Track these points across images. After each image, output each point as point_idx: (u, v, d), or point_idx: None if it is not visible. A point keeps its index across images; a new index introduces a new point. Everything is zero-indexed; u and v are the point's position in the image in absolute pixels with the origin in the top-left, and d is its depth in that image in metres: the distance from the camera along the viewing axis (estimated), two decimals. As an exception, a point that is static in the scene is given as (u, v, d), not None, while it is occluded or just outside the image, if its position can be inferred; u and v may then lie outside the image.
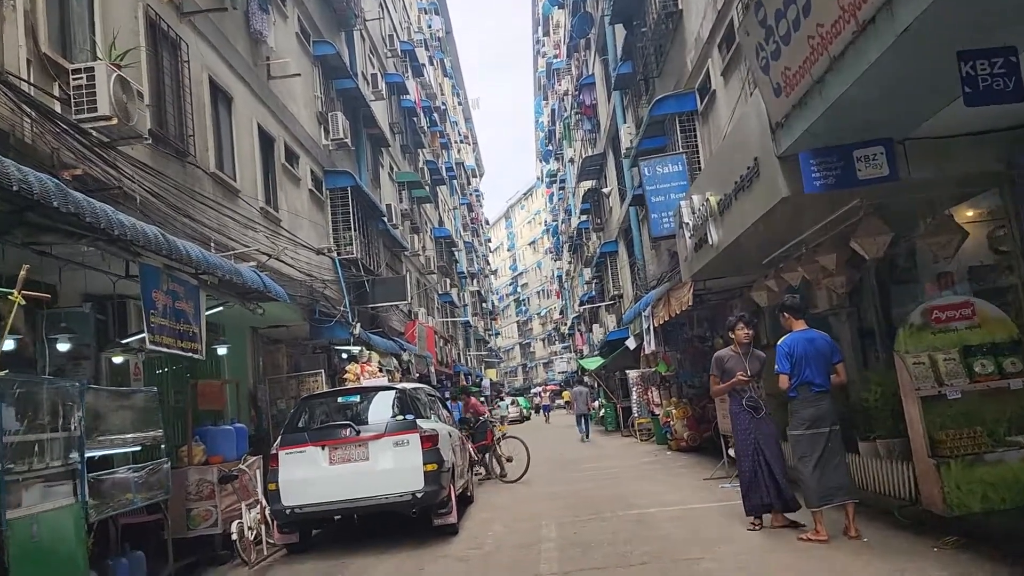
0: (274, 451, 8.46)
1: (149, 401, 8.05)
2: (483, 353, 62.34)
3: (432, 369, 24.59)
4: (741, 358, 7.83)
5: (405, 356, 19.50)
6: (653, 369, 21.04)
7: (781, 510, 7.29)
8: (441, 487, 8.44)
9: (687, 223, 10.84)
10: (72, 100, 6.97)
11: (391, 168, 25.94)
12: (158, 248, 6.80)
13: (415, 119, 31.03)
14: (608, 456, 17.42)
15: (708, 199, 9.40)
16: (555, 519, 9.09)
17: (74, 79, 6.97)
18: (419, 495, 8.19)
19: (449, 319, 37.08)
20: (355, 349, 15.21)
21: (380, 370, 16.43)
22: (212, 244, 9.86)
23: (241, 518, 8.50)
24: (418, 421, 8.58)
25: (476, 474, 12.48)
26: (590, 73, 29.08)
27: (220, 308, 9.41)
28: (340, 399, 8.86)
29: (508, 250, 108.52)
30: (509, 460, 14.59)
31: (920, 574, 5.38)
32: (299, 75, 14.24)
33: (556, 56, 44.86)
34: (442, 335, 30.70)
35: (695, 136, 13.93)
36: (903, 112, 6.01)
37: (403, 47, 30.43)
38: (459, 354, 40.76)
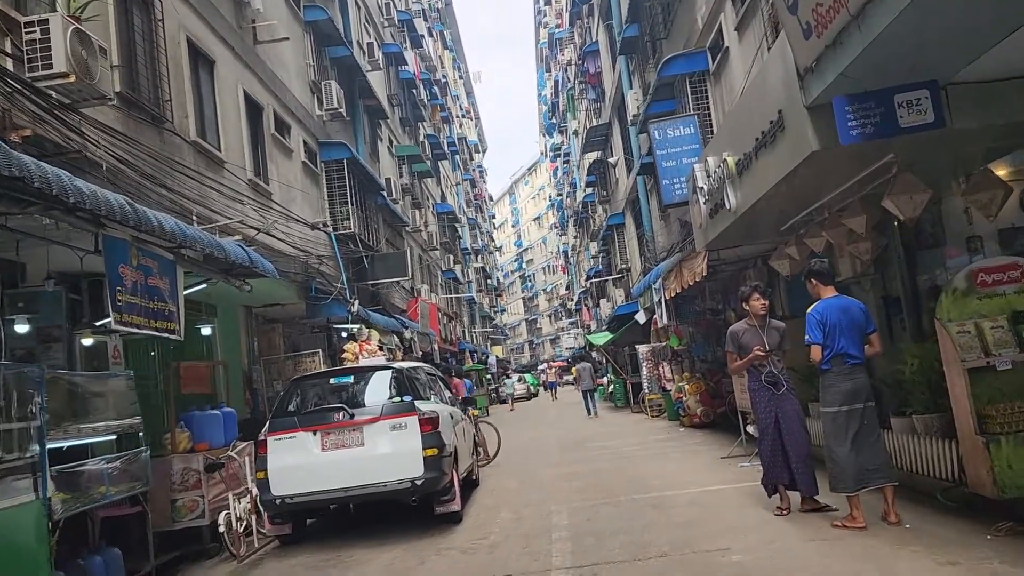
0: (262, 437, 7.88)
1: (124, 386, 7.48)
2: (489, 330, 61.83)
3: (436, 347, 24.03)
4: (758, 331, 7.20)
5: (407, 334, 18.93)
6: (664, 344, 20.44)
7: (805, 494, 6.71)
8: (443, 473, 7.86)
9: (701, 188, 10.16)
10: (25, 56, 6.31)
11: (390, 141, 25.22)
12: (124, 218, 6.17)
13: (414, 91, 30.23)
14: (619, 434, 16.85)
15: (725, 160, 8.72)
16: (566, 504, 8.52)
17: (27, 33, 6.31)
18: (419, 482, 7.62)
19: (453, 295, 36.47)
20: (354, 327, 14.62)
21: (381, 349, 15.85)
22: (194, 217, 9.23)
23: (229, 509, 7.96)
24: (416, 403, 7.99)
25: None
26: (594, 40, 28.19)
27: (203, 286, 8.81)
28: (333, 380, 8.25)
29: (513, 226, 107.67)
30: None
31: (978, 565, 4.77)
32: (287, 39, 13.51)
33: (558, 26, 43.83)
34: (446, 312, 30.12)
35: (706, 98, 13.19)
36: (953, 49, 5.32)
37: (400, 16, 29.56)
38: (464, 331, 40.21)
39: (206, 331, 9.99)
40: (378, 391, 8.19)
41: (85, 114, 7.02)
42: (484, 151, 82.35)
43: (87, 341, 7.57)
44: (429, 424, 7.88)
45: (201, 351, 12.56)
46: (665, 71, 13.43)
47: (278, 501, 7.66)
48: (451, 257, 37.53)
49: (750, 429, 10.87)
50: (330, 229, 14.58)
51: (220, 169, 10.62)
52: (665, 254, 18.63)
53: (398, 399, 7.95)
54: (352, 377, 8.29)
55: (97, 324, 7.37)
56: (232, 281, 8.95)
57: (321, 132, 16.37)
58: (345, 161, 16.12)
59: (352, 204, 16.27)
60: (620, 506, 8.06)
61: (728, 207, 8.89)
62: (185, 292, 8.67)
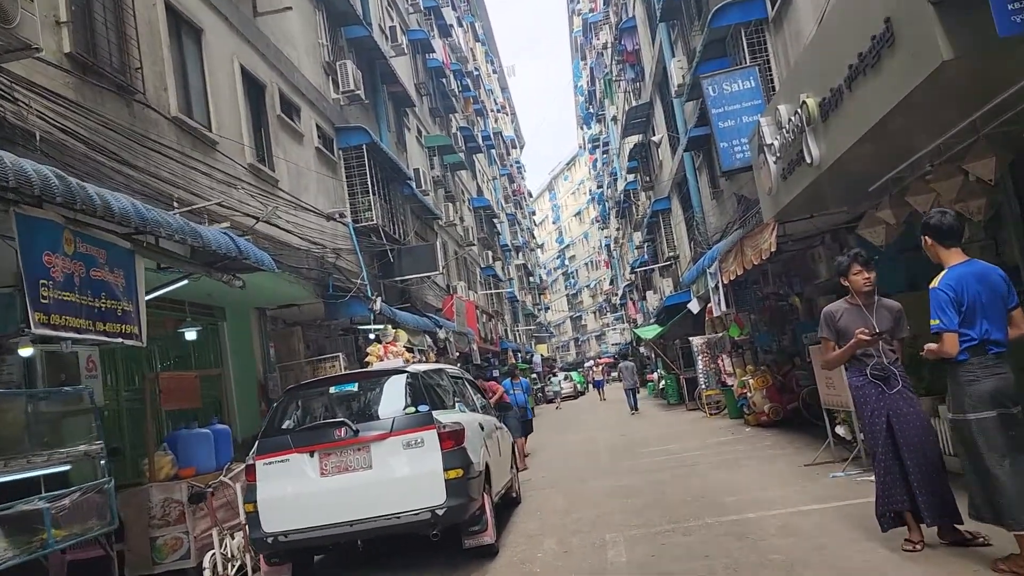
0: (250, 461, 6.48)
1: (76, 405, 6.15)
2: (532, 328, 60.32)
3: (475, 347, 22.60)
4: (862, 311, 5.51)
5: (441, 334, 17.51)
6: (721, 334, 18.70)
7: (932, 523, 5.05)
8: (470, 499, 6.38)
9: (770, 145, 8.53)
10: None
11: (419, 132, 23.88)
12: (49, 193, 4.82)
13: (444, 80, 28.85)
14: (677, 435, 15.20)
15: (804, 103, 7.09)
16: (623, 531, 6.97)
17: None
18: (441, 511, 6.15)
19: (492, 291, 35.02)
20: (378, 328, 13.25)
21: (410, 350, 14.46)
22: (175, 202, 7.91)
23: (215, 547, 6.59)
24: (436, 413, 6.52)
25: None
26: (630, 16, 26.50)
27: (183, 282, 7.46)
28: (334, 389, 6.80)
29: (553, 223, 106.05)
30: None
31: None
32: (290, 8, 12.17)
33: (592, 9, 42.20)
34: (485, 310, 28.67)
35: (765, 50, 11.49)
36: None
37: (426, 3, 28.21)
38: (506, 330, 38.75)
39: (190, 335, 8.57)
40: (389, 401, 6.74)
41: (10, 71, 5.68)
42: (522, 147, 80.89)
43: (25, 352, 6.24)
44: (452, 439, 6.41)
45: (207, 359, 11.32)
46: (716, 22, 11.75)
47: (270, 540, 6.25)
48: (490, 253, 36.10)
49: (839, 431, 9.18)
50: (348, 220, 13.22)
51: (211, 151, 9.30)
52: (719, 236, 16.92)
53: (412, 410, 6.49)
54: (357, 385, 6.83)
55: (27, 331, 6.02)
56: (217, 275, 7.60)
57: (338, 117, 15.05)
58: (365, 147, 14.76)
59: (374, 194, 14.91)
60: (692, 534, 6.49)
61: (809, 161, 7.24)
62: (161, 291, 7.38)
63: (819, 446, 10.04)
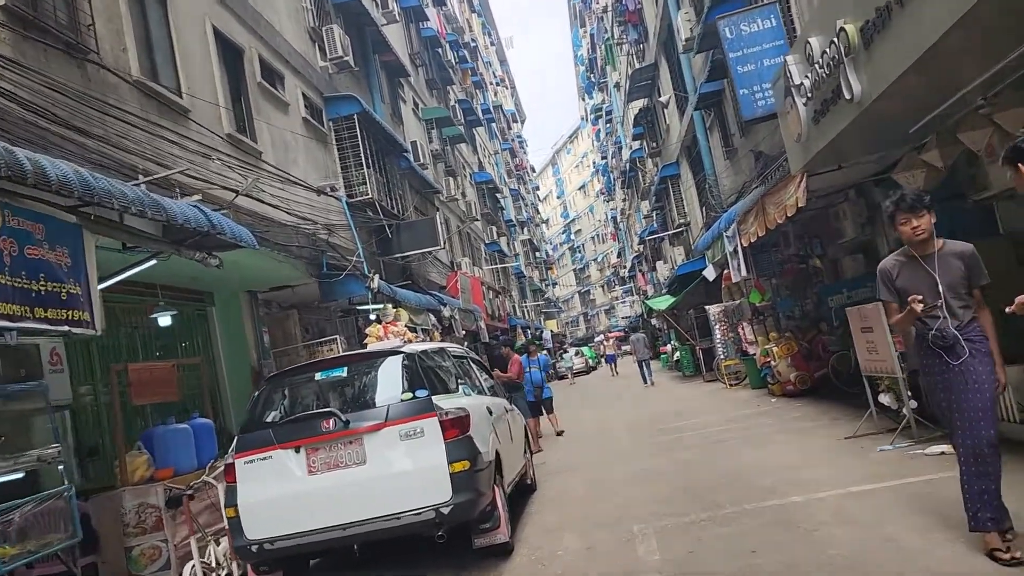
0: (228, 460, 5.73)
1: (26, 404, 5.41)
2: (540, 303, 59.54)
3: (482, 324, 21.85)
4: (920, 265, 4.57)
5: (446, 312, 16.74)
6: (738, 301, 17.88)
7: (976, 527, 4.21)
8: (479, 493, 5.62)
9: (799, 85, 7.66)
10: None
11: (415, 104, 22.96)
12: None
13: (439, 51, 27.86)
14: (699, 409, 14.43)
15: (842, 31, 6.21)
16: (652, 522, 6.21)
17: None
18: (446, 510, 5.40)
19: (498, 265, 34.21)
20: (378, 307, 12.48)
21: (413, 330, 13.70)
22: (140, 174, 7.12)
23: (195, 556, 5.86)
24: (436, 399, 5.74)
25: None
26: (631, -27, 25.42)
27: (151, 262, 6.68)
28: (321, 375, 6.01)
29: (558, 198, 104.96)
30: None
31: None
32: (266, -35, 11.29)
33: (590, -28, 40.96)
34: (492, 286, 27.90)
35: (784, -13, 10.57)
36: None
37: (418, -30, 27.13)
38: (514, 306, 38.00)
39: (164, 320, 7.80)
40: (384, 386, 5.97)
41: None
42: (523, 121, 79.68)
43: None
44: (456, 427, 5.64)
45: (195, 347, 10.58)
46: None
47: (255, 548, 5.51)
48: (494, 229, 35.26)
49: (884, 399, 8.38)
50: (340, 194, 12.39)
51: (182, 119, 8.49)
52: (735, 197, 16.04)
53: (410, 395, 5.71)
54: (346, 369, 6.03)
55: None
56: (189, 254, 6.81)
57: (327, 87, 14.18)
58: (356, 116, 13.91)
59: (369, 167, 14.08)
60: (731, 524, 5.72)
61: (848, 97, 6.37)
62: (126, 273, 6.61)
63: (856, 416, 9.26)
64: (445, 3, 32.61)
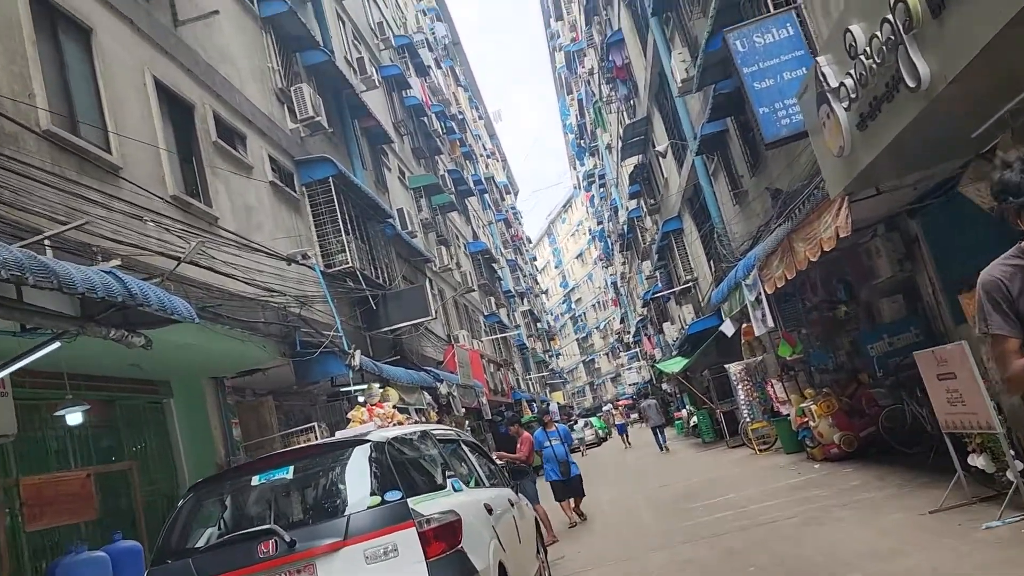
0: (135, 605, 4.20)
1: None
2: (545, 375, 57.80)
3: (484, 400, 20.30)
4: None
5: (443, 389, 15.24)
6: (760, 358, 16.43)
7: None
8: (477, 629, 4.09)
9: (836, 88, 6.41)
10: None
11: (401, 172, 21.94)
12: None
13: (425, 119, 27.06)
14: (730, 481, 12.80)
15: (901, 1, 4.96)
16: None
17: None
18: (433, 658, 3.86)
19: (498, 336, 32.74)
20: (362, 387, 11.02)
21: (405, 411, 12.21)
22: (46, 241, 5.79)
23: None
24: (415, 501, 4.26)
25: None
26: (616, 29, 24.82)
27: (53, 346, 5.27)
28: (259, 479, 4.52)
29: (555, 267, 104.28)
30: None
31: None
32: (217, 12, 10.19)
33: (573, 39, 40.87)
34: (493, 359, 26.41)
35: None
36: None
37: (399, 41, 26.58)
38: (517, 380, 36.37)
39: (73, 419, 6.30)
40: (344, 489, 4.49)
41: None
42: (516, 193, 79.46)
43: None
44: (442, 538, 4.15)
45: (150, 446, 9.08)
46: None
47: None
48: (492, 300, 33.95)
49: (977, 461, 6.84)
50: (313, 262, 11.06)
51: (111, 177, 7.20)
52: (748, 243, 14.76)
53: (378, 500, 4.23)
54: (292, 469, 4.54)
55: None
56: (99, 331, 5.41)
57: (298, 150, 13.04)
58: (332, 179, 12.71)
59: (349, 233, 12.82)
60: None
61: (914, 84, 5.09)
62: (21, 362, 5.21)
63: (930, 482, 7.76)
64: (429, 74, 32.09)
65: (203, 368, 9.79)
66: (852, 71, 5.97)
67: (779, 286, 11.24)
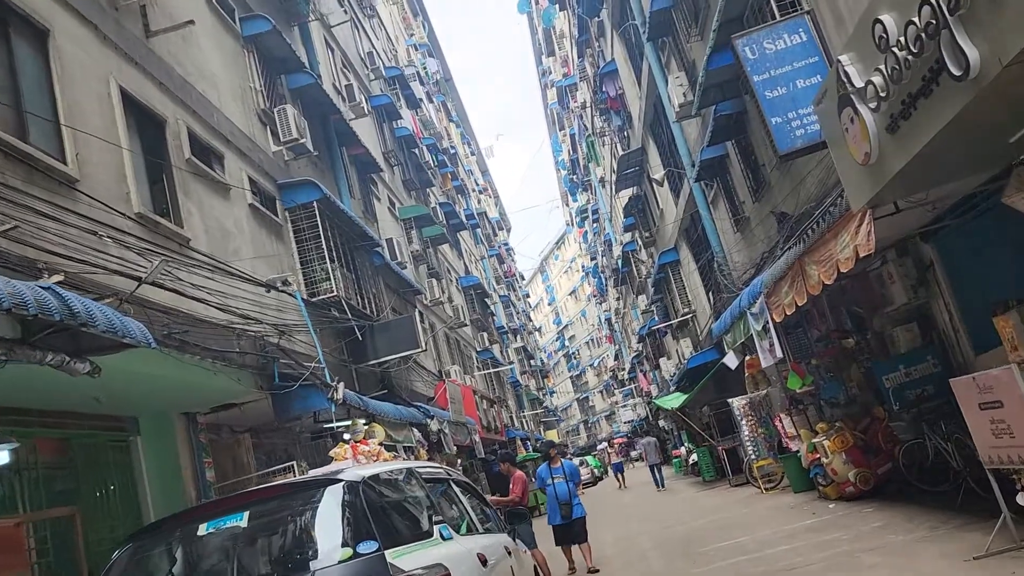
0: None
1: None
2: (539, 412, 56.82)
3: (477, 438, 19.49)
4: None
5: (434, 425, 14.48)
6: (765, 392, 15.74)
7: None
8: None
9: (861, 89, 5.84)
10: None
11: (391, 202, 21.39)
12: None
13: (416, 151, 26.61)
14: (738, 522, 12.03)
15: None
16: None
17: None
18: None
19: (492, 370, 31.93)
20: (344, 422, 10.28)
21: (392, 449, 11.45)
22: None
23: None
24: (394, 554, 3.54)
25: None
26: (609, 60, 24.53)
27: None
28: (207, 528, 3.80)
29: (549, 304, 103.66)
30: None
31: None
32: (192, 23, 9.62)
33: (565, 73, 40.73)
34: (486, 396, 25.61)
35: (798, 4, 9.00)
36: None
37: (390, 72, 26.24)
38: (511, 417, 35.48)
39: (1, 457, 5.56)
40: (310, 538, 3.77)
41: None
42: (508, 230, 79.12)
43: None
44: (427, 599, 3.42)
45: (112, 488, 8.31)
46: (735, -15, 9.29)
47: None
48: (485, 335, 33.22)
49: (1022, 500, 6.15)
50: (294, 288, 10.39)
51: (66, 189, 6.56)
52: (751, 272, 14.17)
53: (349, 552, 3.51)
54: (246, 516, 3.81)
55: None
56: (34, 355, 4.72)
57: (281, 173, 12.46)
58: (316, 204, 12.10)
59: (334, 261, 12.18)
60: None
61: (960, 72, 4.52)
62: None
63: (965, 522, 7.08)
64: (420, 107, 31.76)
65: (173, 403, 9.05)
66: (882, 66, 5.40)
67: (788, 313, 10.61)
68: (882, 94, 5.54)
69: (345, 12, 20.68)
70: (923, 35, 4.77)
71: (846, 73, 5.99)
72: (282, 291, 9.98)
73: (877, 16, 5.32)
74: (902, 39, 5.05)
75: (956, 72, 4.58)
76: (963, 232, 9.13)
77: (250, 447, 10.83)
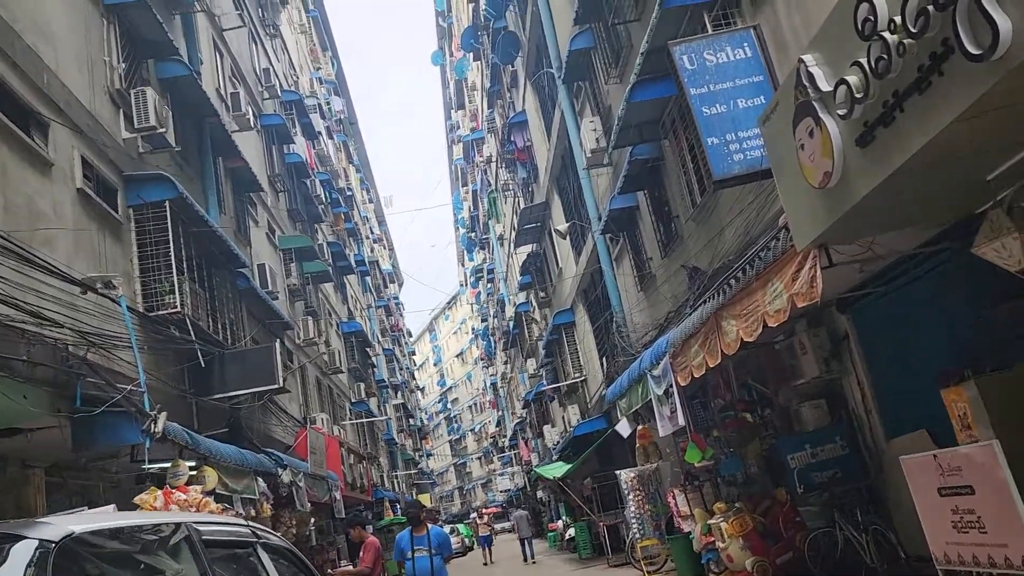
0: None
1: None
2: (413, 473, 54.31)
3: (338, 495, 17.44)
4: None
5: (285, 476, 12.52)
6: (655, 465, 14.61)
7: None
8: None
9: (829, 93, 4.81)
10: None
11: (271, 228, 19.53)
12: None
13: (307, 182, 24.89)
14: (620, 611, 10.64)
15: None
16: None
17: None
18: None
19: (365, 420, 29.80)
20: (164, 464, 8.36)
21: (224, 501, 9.52)
22: None
23: None
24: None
25: None
26: (520, 110, 23.81)
27: None
28: None
29: (434, 365, 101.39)
30: None
31: None
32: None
33: (473, 127, 40.05)
34: (356, 451, 23.51)
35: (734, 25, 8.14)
36: None
37: (287, 96, 24.64)
38: (382, 476, 33.19)
39: None
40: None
41: None
42: (400, 284, 77.28)
43: None
44: None
45: None
46: (669, 2, 8.33)
47: None
48: (362, 386, 31.11)
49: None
50: (120, 293, 8.50)
51: None
52: (653, 334, 13.16)
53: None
54: None
55: None
56: None
57: (131, 165, 10.62)
58: (168, 204, 10.31)
59: (183, 273, 10.35)
60: None
61: (976, 52, 3.48)
62: None
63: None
64: (318, 140, 30.12)
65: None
66: (863, 59, 4.36)
67: (696, 376, 9.53)
68: (858, 95, 4.49)
69: (241, 18, 19.06)
70: (931, 6, 3.74)
71: (809, 75, 4.96)
72: (103, 295, 8.10)
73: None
74: (897, 19, 4.02)
75: (974, 51, 3.54)
76: (884, 303, 8.41)
77: (42, 487, 8.73)
